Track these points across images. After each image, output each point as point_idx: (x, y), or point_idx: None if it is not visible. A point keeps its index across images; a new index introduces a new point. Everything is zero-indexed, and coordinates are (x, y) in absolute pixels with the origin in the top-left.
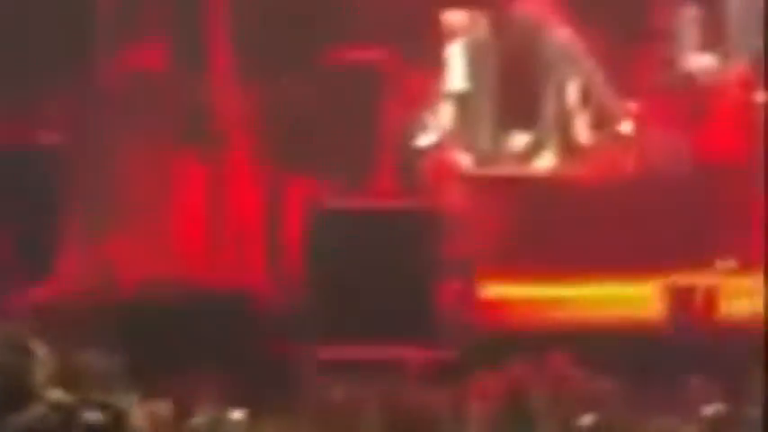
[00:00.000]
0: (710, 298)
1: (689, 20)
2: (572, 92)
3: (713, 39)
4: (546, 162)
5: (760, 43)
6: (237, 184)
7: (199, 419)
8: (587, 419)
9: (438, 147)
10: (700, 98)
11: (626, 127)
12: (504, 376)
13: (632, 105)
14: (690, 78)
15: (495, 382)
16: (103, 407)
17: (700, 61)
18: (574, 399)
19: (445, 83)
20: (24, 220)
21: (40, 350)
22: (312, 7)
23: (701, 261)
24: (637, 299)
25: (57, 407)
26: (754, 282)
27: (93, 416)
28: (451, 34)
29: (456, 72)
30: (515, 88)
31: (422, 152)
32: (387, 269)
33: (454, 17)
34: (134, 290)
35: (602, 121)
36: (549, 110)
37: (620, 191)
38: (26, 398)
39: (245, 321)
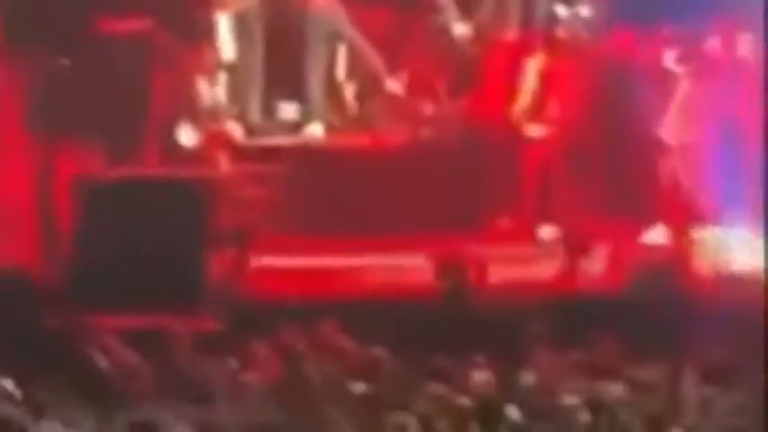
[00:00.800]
0: (482, 266)
1: None
2: (339, 62)
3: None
4: (316, 132)
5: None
6: (5, 157)
7: None
8: (359, 388)
9: (209, 117)
10: (467, 65)
11: (396, 96)
12: (275, 345)
13: (402, 74)
14: (456, 46)
15: (266, 351)
16: None
17: (462, 29)
18: (346, 367)
19: (215, 54)
20: None
21: None
22: None
23: (473, 229)
24: (409, 268)
25: None
26: (526, 248)
27: None
28: (220, 5)
29: (225, 43)
30: (283, 59)
31: (192, 123)
32: (158, 240)
33: None
34: None
35: (371, 91)
36: (316, 80)
37: (392, 160)
38: None
39: (17, 296)
